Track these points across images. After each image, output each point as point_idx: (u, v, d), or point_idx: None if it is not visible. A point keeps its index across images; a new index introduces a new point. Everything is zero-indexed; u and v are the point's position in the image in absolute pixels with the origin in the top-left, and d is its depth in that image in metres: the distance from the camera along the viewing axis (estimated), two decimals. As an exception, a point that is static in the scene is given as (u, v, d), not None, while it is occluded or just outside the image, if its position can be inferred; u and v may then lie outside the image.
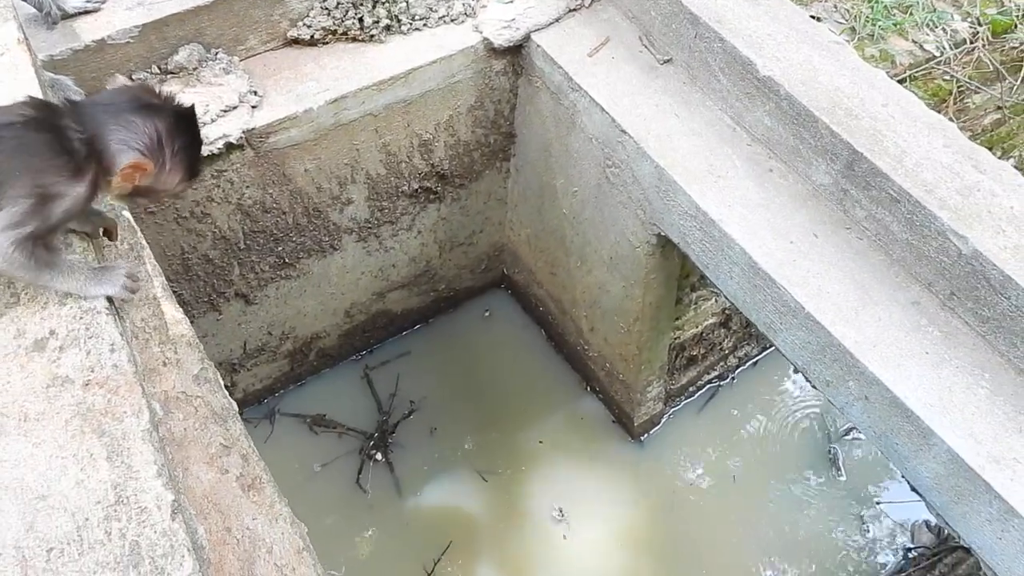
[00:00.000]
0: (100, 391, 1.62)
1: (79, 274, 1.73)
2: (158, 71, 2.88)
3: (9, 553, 1.46)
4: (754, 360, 4.46)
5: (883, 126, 2.68)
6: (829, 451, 4.16)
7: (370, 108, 3.11)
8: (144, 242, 2.29)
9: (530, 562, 3.78)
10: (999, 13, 4.36)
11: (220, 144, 2.84)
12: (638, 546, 3.85)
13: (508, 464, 4.04)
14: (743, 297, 2.82)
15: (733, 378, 4.39)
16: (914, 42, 4.09)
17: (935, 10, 4.18)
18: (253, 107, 2.91)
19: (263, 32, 3.04)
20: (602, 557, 3.81)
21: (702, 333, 4.06)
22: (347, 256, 3.70)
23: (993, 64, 4.41)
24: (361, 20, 3.10)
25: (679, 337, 3.94)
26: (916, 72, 4.17)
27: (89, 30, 2.74)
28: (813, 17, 3.19)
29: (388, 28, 3.14)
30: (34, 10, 2.68)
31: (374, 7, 3.12)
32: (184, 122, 1.77)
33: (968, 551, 3.41)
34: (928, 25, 4.16)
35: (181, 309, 2.23)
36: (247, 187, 3.08)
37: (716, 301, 4.00)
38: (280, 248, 3.42)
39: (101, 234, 1.98)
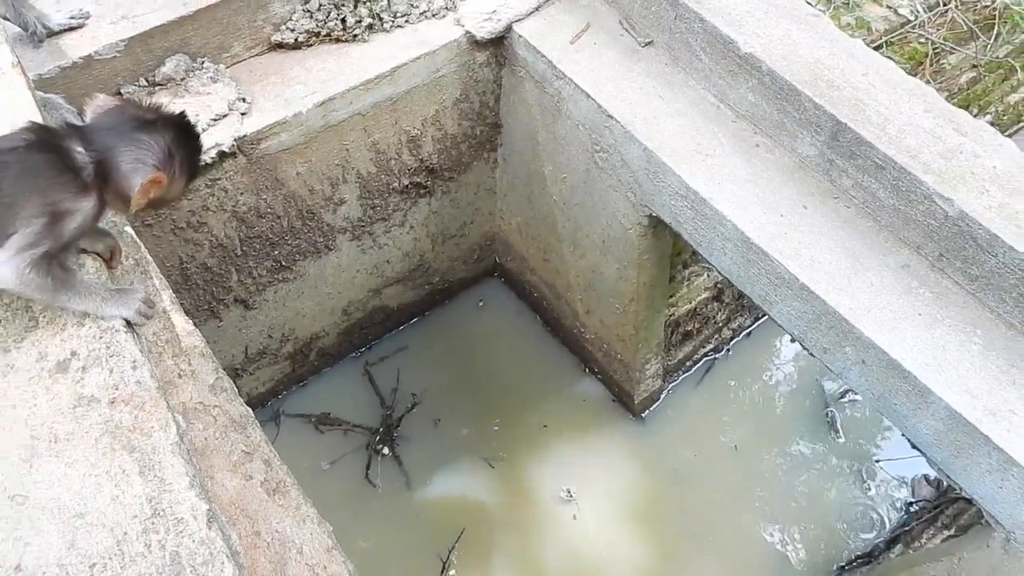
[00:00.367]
0: (126, 408, 1.65)
1: (95, 294, 1.76)
2: (146, 83, 2.88)
3: (53, 572, 1.49)
4: (747, 331, 4.54)
5: (864, 95, 2.74)
6: (826, 414, 4.25)
7: (358, 108, 3.14)
8: (149, 256, 2.31)
9: (542, 544, 3.85)
10: (969, -26, 4.42)
11: (213, 153, 2.86)
12: (647, 520, 3.93)
13: (514, 449, 4.10)
14: (737, 272, 2.88)
15: (728, 350, 4.46)
16: (888, 7, 4.15)
17: (906, -25, 4.24)
18: (243, 114, 2.93)
19: (247, 38, 3.05)
20: (613, 534, 3.89)
21: (696, 308, 4.13)
22: (342, 255, 3.73)
23: (966, 24, 4.49)
24: (344, 21, 3.12)
25: (674, 314, 4.00)
26: (892, 37, 4.24)
27: (75, 47, 2.74)
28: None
29: (371, 27, 3.16)
30: (19, 30, 2.68)
31: (356, 7, 3.14)
32: (184, 131, 1.82)
33: (968, 501, 3.51)
34: (900, -10, 4.22)
35: (191, 320, 2.27)
36: (241, 194, 3.10)
37: (708, 276, 4.06)
38: (276, 252, 3.44)
39: (104, 259, 2.01)
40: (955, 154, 2.58)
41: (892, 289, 2.61)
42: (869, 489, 4.04)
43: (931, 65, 4.66)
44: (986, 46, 4.91)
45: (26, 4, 2.74)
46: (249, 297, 3.53)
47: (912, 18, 4.13)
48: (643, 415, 4.22)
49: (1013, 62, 5.08)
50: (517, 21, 3.26)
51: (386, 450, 4.05)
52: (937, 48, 4.64)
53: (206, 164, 2.84)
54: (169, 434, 1.63)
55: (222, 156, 2.91)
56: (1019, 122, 5.44)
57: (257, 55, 3.12)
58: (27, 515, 1.54)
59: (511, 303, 4.57)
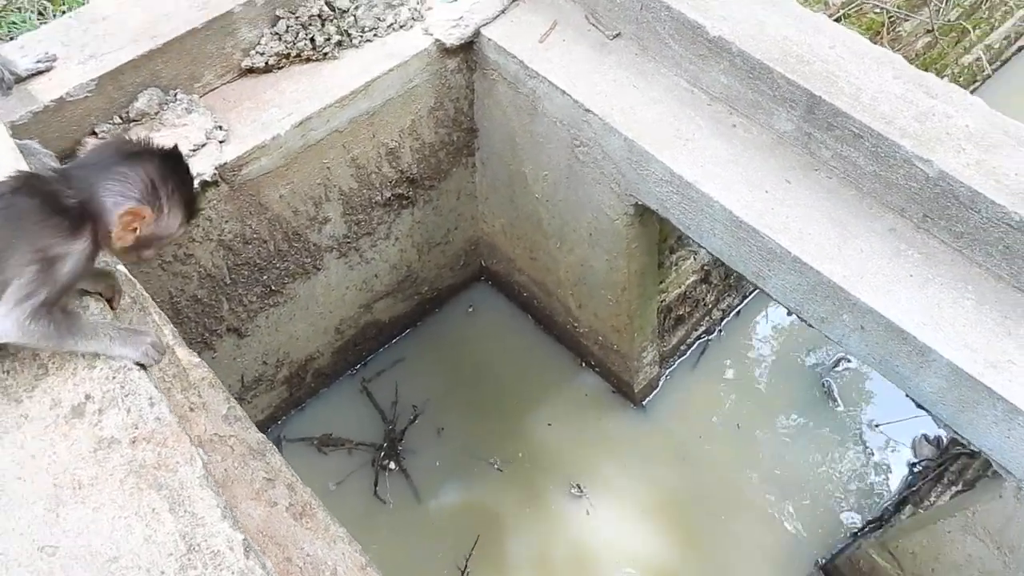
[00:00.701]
0: (148, 446, 1.64)
1: (103, 335, 1.75)
2: (120, 121, 2.86)
3: (94, 618, 1.48)
4: (736, 310, 4.58)
5: (834, 67, 2.78)
6: (823, 384, 4.30)
7: (335, 125, 3.13)
8: (146, 293, 2.30)
9: (559, 542, 3.86)
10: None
11: (195, 183, 2.83)
12: (660, 507, 3.96)
13: (520, 451, 4.11)
14: (728, 251, 2.91)
15: (720, 330, 4.51)
16: (843, -20, 4.22)
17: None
18: (221, 142, 2.91)
19: (218, 66, 3.03)
20: (627, 524, 3.91)
21: (686, 292, 4.16)
22: (330, 274, 3.72)
23: (919, -10, 4.56)
24: (313, 40, 3.11)
25: (665, 300, 4.03)
26: (849, 10, 4.31)
27: (45, 91, 2.71)
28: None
29: (340, 44, 3.16)
30: (-14, 79, 2.65)
31: (323, 25, 3.13)
32: (172, 163, 1.77)
33: (971, 456, 3.58)
34: (854, -38, 4.29)
35: (194, 352, 2.25)
36: (226, 222, 3.08)
37: (695, 259, 4.10)
38: (265, 277, 3.43)
39: (105, 298, 1.99)
40: (928, 116, 2.63)
41: (881, 253, 2.65)
42: (872, 454, 4.10)
43: (888, 33, 4.75)
44: (938, 10, 5.01)
45: (-9, 52, 2.71)
46: (241, 325, 3.51)
47: (868, -12, 4.20)
48: (644, 403, 4.25)
49: (965, 24, 5.19)
50: (484, 25, 3.28)
51: (392, 465, 4.04)
52: (892, 16, 4.73)
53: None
54: (195, 467, 1.62)
55: (204, 186, 2.89)
56: (975, 82, 5.56)
57: (229, 82, 3.10)
58: (59, 565, 1.53)
59: (501, 305, 4.58)
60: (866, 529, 3.81)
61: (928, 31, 5.00)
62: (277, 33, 3.10)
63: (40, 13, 3.93)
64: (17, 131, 2.65)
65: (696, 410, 4.26)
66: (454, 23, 3.25)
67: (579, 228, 3.60)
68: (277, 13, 3.11)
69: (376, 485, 4.00)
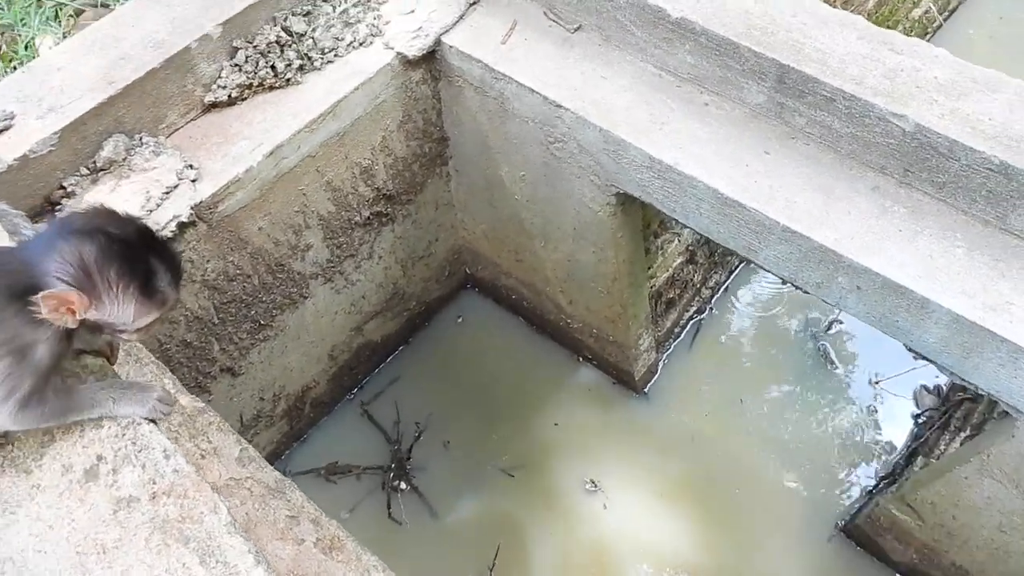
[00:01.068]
0: (169, 499, 1.60)
1: (106, 399, 1.69)
2: (88, 171, 2.80)
3: None
4: (724, 286, 4.59)
5: (799, 35, 2.79)
6: (818, 348, 4.32)
7: (307, 150, 3.09)
8: (138, 343, 2.25)
9: (580, 538, 3.85)
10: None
11: (173, 226, 2.78)
12: (677, 491, 3.95)
13: (529, 454, 4.09)
14: (716, 229, 2.91)
15: (711, 308, 4.52)
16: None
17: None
18: (193, 181, 2.86)
19: (180, 105, 2.98)
20: (645, 511, 3.90)
21: (674, 275, 4.17)
22: (318, 301, 3.67)
23: (865, -51, 4.60)
24: (274, 67, 3.07)
25: (654, 284, 4.03)
26: (799, -25, 4.32)
27: (7, 149, 2.65)
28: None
29: (302, 68, 3.12)
30: (-54, 146, 2.58)
31: (283, 51, 3.09)
32: (118, 245, 1.56)
33: (974, 400, 3.61)
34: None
35: (197, 398, 2.21)
36: (208, 261, 3.03)
37: (679, 241, 4.10)
38: (253, 312, 3.38)
39: (103, 355, 1.94)
40: (897, 73, 2.65)
41: (868, 213, 2.67)
42: (876, 411, 4.13)
43: (838, -5, 4.77)
44: (885, -34, 5.07)
45: (-53, 117, 2.65)
46: (234, 364, 3.46)
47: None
48: (646, 390, 4.25)
49: (913, -24, 5.25)
50: (444, 33, 3.25)
51: (403, 484, 4.01)
52: (841, -23, 4.76)
53: (168, 239, 2.75)
54: (220, 515, 1.59)
55: (182, 227, 2.83)
56: (927, 33, 5.63)
57: (194, 119, 3.05)
58: (96, 632, 1.48)
59: (490, 311, 4.56)
60: (880, 486, 3.83)
61: (876, -11, 5.05)
62: (237, 64, 3.06)
63: (-12, 73, 3.85)
64: (-17, 195, 2.58)
65: (698, 390, 4.26)
66: (414, 34, 3.22)
67: (562, 224, 3.59)
68: (234, 44, 3.06)
69: (389, 507, 3.95)
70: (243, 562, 1.54)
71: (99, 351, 1.84)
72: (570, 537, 3.85)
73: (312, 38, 3.17)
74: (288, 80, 3.10)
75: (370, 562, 1.91)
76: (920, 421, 4.02)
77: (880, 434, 4.07)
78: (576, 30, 3.19)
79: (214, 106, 3.06)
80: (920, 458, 3.72)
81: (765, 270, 2.94)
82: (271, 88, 3.09)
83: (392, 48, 3.20)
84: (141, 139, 2.90)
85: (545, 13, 3.26)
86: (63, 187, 2.79)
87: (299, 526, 1.93)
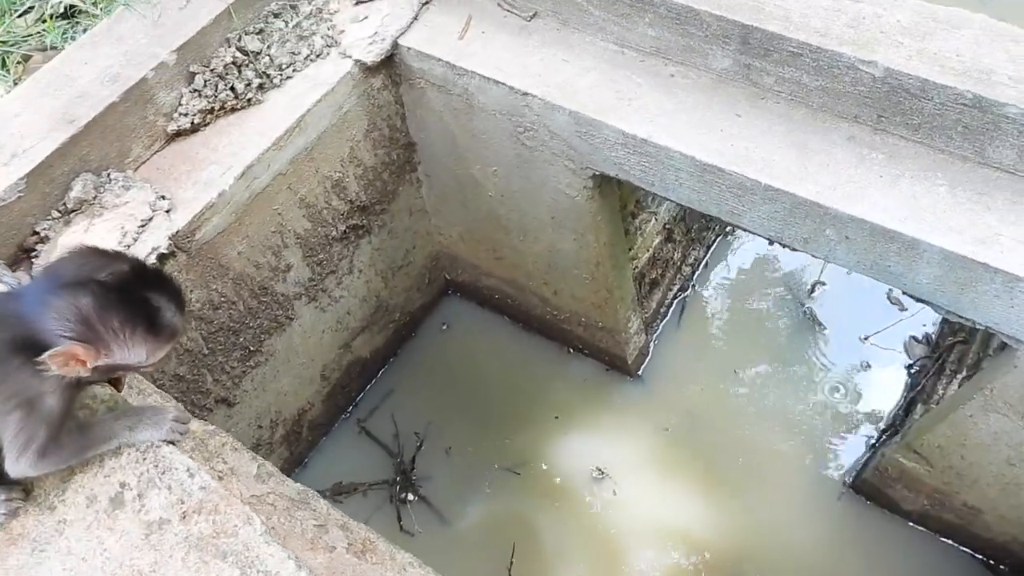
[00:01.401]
0: (200, 517, 1.55)
1: (121, 430, 1.65)
2: (59, 213, 2.73)
3: None
4: (704, 261, 4.62)
5: (757, -5, 2.82)
6: (804, 311, 4.36)
7: (277, 168, 3.05)
8: (139, 374, 2.20)
9: (595, 528, 3.82)
10: None
11: (153, 259, 2.72)
12: (680, 468, 3.95)
13: (532, 450, 4.06)
14: (698, 197, 2.92)
15: (693, 285, 4.54)
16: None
17: None
18: (167, 211, 2.80)
19: (144, 136, 2.92)
20: (655, 493, 3.89)
21: (654, 254, 4.18)
22: (304, 321, 3.62)
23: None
24: (233, 89, 3.02)
25: (637, 266, 4.04)
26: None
27: (-26, 200, 2.57)
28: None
29: (262, 87, 3.07)
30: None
31: (240, 72, 3.05)
32: (114, 292, 1.54)
33: (965, 342, 3.66)
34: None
35: (205, 422, 2.15)
36: (192, 291, 2.97)
37: (656, 220, 4.12)
38: (241, 339, 3.31)
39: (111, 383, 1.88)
40: (860, 20, 2.69)
41: (847, 162, 2.69)
42: (869, 366, 4.17)
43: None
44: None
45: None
46: (228, 393, 3.39)
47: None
48: (640, 373, 4.25)
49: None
50: (400, 35, 3.23)
51: (410, 496, 3.96)
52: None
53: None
54: (255, 525, 1.54)
55: (162, 259, 2.77)
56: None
57: (159, 150, 2.99)
58: (142, 663, 1.43)
59: (474, 314, 4.53)
60: (883, 438, 3.86)
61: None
62: (196, 89, 3.01)
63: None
64: (-45, 248, 2.51)
65: (691, 367, 4.27)
66: (370, 40, 3.20)
67: (540, 215, 3.58)
68: (191, 69, 3.01)
69: (400, 520, 3.90)
70: (284, 568, 1.49)
71: (110, 382, 1.79)
72: (584, 526, 3.83)
73: (268, 55, 3.13)
74: (249, 100, 3.06)
75: (405, 560, 1.87)
76: (914, 371, 4.07)
77: (876, 388, 4.11)
78: (532, 17, 3.20)
79: (178, 134, 3.01)
80: (919, 406, 3.77)
81: (752, 233, 2.96)
82: (233, 110, 3.05)
83: (350, 56, 3.17)
84: (109, 175, 2.84)
85: (499, 4, 3.26)
86: (36, 232, 2.72)
87: (328, 534, 1.88)
